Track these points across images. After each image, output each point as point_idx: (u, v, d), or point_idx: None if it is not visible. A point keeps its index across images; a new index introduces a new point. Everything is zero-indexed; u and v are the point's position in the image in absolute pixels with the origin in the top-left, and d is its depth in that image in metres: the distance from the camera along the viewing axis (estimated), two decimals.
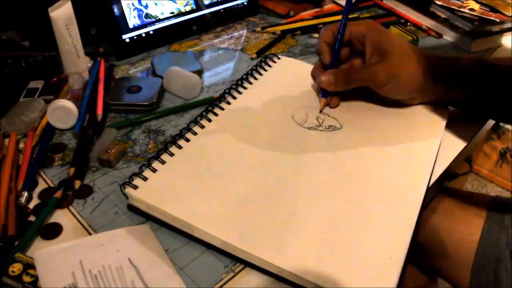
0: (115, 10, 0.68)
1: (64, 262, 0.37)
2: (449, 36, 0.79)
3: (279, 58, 0.64)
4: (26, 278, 0.35)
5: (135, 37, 0.71)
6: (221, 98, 0.54)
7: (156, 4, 0.73)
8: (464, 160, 0.89)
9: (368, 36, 0.52)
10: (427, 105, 0.55)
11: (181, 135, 0.48)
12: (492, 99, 0.53)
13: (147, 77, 0.66)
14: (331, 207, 0.41)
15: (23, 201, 0.43)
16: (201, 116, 0.52)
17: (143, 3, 0.72)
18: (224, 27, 0.82)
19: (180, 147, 0.47)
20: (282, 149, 0.48)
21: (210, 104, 0.54)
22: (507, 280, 0.53)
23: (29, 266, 0.36)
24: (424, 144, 0.50)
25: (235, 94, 0.56)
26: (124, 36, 0.70)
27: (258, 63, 0.62)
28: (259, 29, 0.81)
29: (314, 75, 0.56)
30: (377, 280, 0.35)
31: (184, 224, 0.40)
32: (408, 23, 0.83)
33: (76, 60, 0.61)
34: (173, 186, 0.43)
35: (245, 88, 0.57)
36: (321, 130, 0.51)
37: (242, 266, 0.38)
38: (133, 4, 0.70)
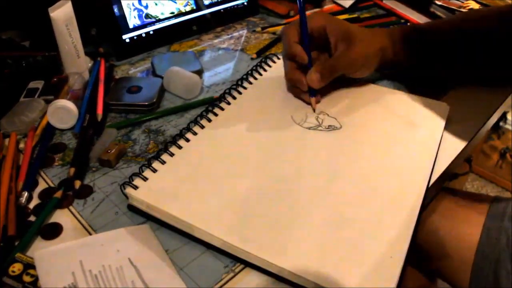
0: (115, 10, 0.69)
1: (64, 262, 0.37)
2: None
3: (279, 58, 0.64)
4: (26, 278, 0.35)
5: (135, 37, 0.71)
6: (221, 98, 0.54)
7: (156, 4, 0.73)
8: (464, 160, 0.88)
9: (328, 27, 0.54)
10: (427, 105, 0.55)
11: (181, 135, 0.48)
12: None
13: (147, 77, 0.66)
14: (331, 207, 0.41)
15: (23, 201, 0.43)
16: (201, 116, 0.52)
17: (143, 3, 0.72)
18: (224, 27, 0.82)
19: (180, 147, 0.47)
20: (282, 149, 0.48)
21: (210, 104, 0.54)
22: (507, 280, 0.53)
23: (29, 266, 0.36)
24: (424, 144, 0.50)
25: (235, 94, 0.56)
26: (124, 36, 0.70)
27: (258, 63, 0.62)
28: (259, 29, 0.81)
29: (295, 79, 0.54)
30: (377, 280, 0.35)
31: (184, 224, 0.40)
32: (408, 23, 0.83)
33: (76, 60, 0.61)
34: (173, 186, 0.43)
35: (245, 88, 0.57)
36: (320, 130, 0.51)
37: (242, 266, 0.38)
38: (133, 4, 0.70)
